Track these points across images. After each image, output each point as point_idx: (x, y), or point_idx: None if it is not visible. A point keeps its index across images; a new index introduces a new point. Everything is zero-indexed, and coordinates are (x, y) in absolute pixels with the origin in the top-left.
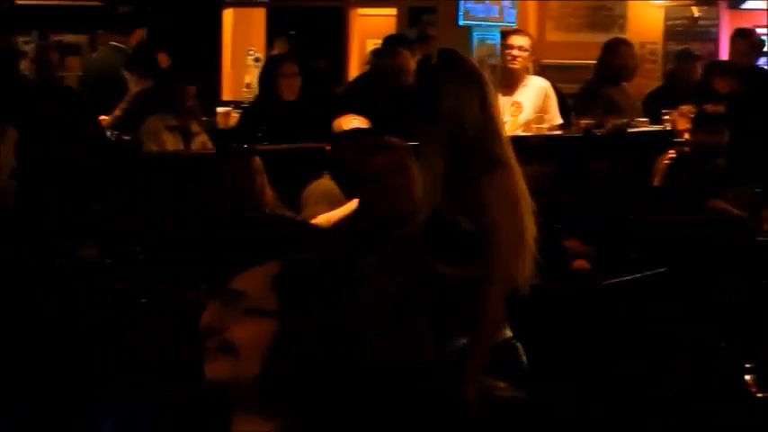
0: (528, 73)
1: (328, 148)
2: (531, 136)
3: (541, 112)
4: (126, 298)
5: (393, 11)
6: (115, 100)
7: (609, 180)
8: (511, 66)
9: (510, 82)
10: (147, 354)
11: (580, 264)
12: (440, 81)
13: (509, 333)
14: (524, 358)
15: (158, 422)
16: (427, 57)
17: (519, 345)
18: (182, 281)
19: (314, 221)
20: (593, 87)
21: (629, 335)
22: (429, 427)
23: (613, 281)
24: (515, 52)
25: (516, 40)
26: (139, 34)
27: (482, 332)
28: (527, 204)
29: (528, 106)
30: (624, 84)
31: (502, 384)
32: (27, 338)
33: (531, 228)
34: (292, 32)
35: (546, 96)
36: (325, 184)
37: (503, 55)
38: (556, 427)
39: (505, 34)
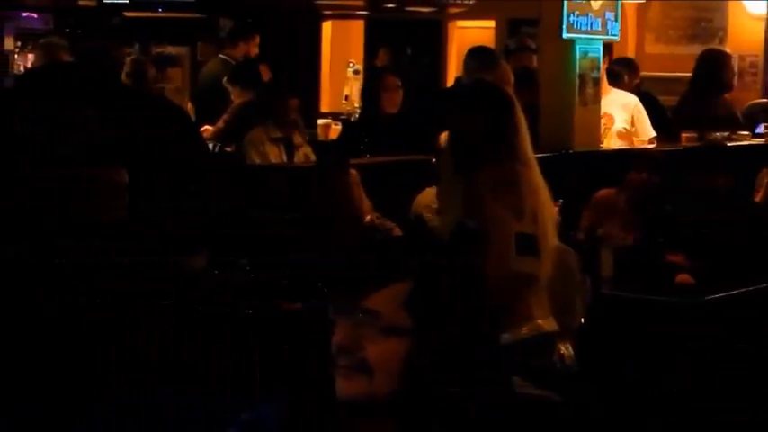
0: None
1: (434, 160)
2: (634, 149)
3: (630, 124)
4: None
5: (492, 23)
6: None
7: (711, 194)
8: None
9: None
10: (251, 364)
11: (683, 278)
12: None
13: (548, 328)
14: (566, 358)
15: (284, 426)
16: (525, 68)
17: (564, 344)
18: (283, 292)
19: None
20: (689, 100)
21: (731, 350)
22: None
23: (717, 296)
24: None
25: None
26: (243, 48)
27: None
28: (536, 201)
29: (618, 119)
30: (723, 96)
31: (523, 383)
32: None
33: (549, 228)
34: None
35: (635, 109)
36: (431, 194)
37: None
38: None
39: None
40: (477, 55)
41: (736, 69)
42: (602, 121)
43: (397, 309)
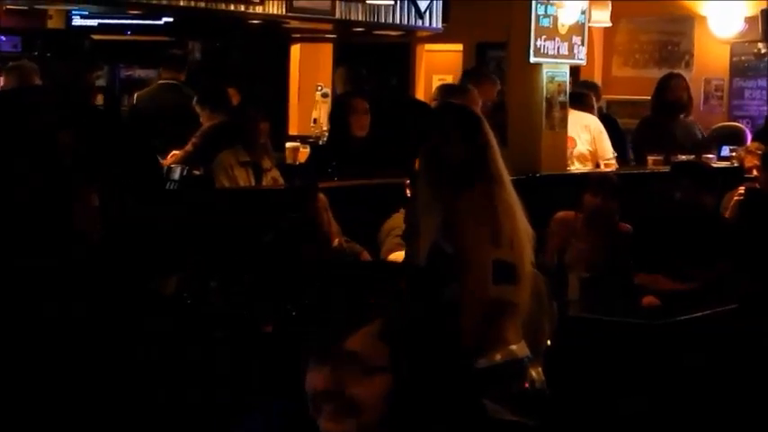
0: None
1: (407, 182)
2: (600, 172)
3: (591, 145)
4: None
5: (459, 46)
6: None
7: (679, 215)
8: None
9: None
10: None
11: (650, 300)
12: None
13: (520, 353)
14: (537, 382)
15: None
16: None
17: (535, 369)
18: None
19: (390, 257)
20: (649, 122)
21: (699, 371)
22: None
23: (684, 317)
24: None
25: None
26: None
27: None
28: (513, 226)
29: (580, 140)
30: (682, 118)
31: (496, 408)
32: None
33: (526, 252)
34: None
35: (595, 130)
36: (398, 220)
37: None
38: None
39: None
40: (445, 87)
41: (700, 91)
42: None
43: (375, 345)
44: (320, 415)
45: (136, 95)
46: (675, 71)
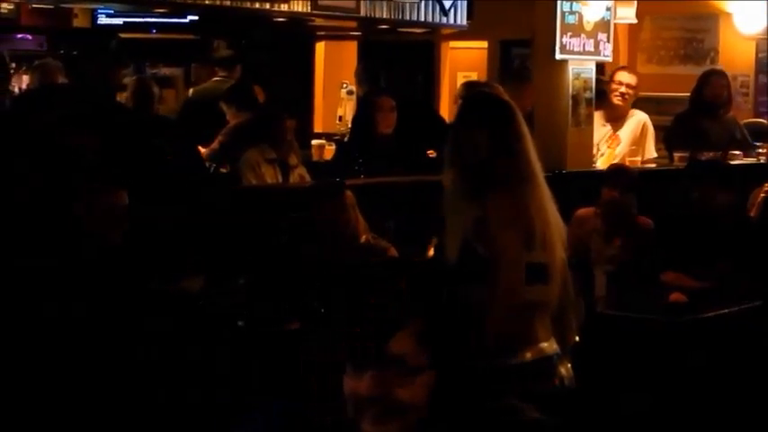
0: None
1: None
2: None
3: (637, 144)
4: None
5: (484, 44)
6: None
7: (705, 212)
8: (617, 102)
9: (614, 116)
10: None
11: (677, 297)
12: (453, 120)
13: (549, 351)
14: (566, 379)
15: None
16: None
17: (564, 365)
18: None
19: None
20: (683, 119)
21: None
22: None
23: (710, 314)
24: (623, 89)
25: (624, 77)
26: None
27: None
28: (545, 225)
29: (625, 139)
30: (722, 115)
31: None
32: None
33: (557, 249)
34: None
35: (644, 129)
36: None
37: (609, 89)
38: None
39: (615, 70)
40: (470, 84)
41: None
42: (608, 141)
43: (417, 346)
44: (362, 418)
45: (191, 90)
46: (717, 67)
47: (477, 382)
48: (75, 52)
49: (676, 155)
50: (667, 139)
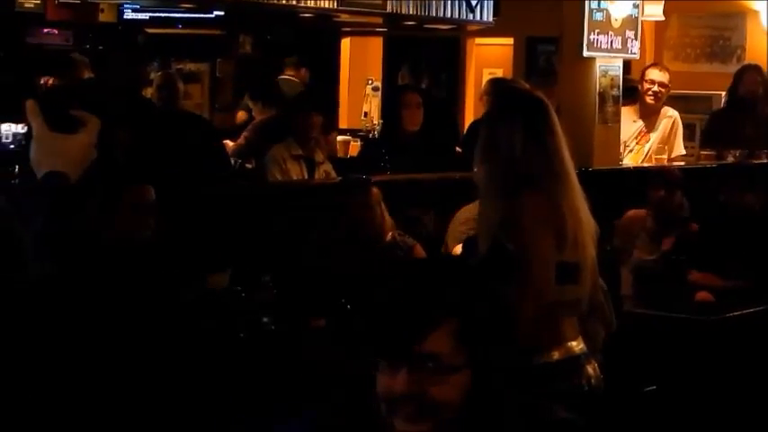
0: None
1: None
2: (652, 166)
3: (666, 141)
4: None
5: (510, 40)
6: None
7: (731, 212)
8: (650, 101)
9: (647, 113)
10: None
11: (704, 296)
12: (486, 114)
13: (577, 350)
14: (593, 378)
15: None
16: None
17: (591, 365)
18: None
19: (456, 249)
20: (718, 116)
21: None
22: None
23: (736, 313)
24: (656, 88)
25: (656, 75)
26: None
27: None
28: (577, 224)
29: (654, 136)
30: (759, 112)
31: (550, 404)
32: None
33: (588, 249)
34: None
35: (673, 126)
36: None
37: (642, 86)
38: None
39: (646, 67)
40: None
41: None
42: (637, 138)
43: (453, 345)
44: (395, 417)
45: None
46: (752, 63)
47: (507, 382)
48: (100, 47)
49: (703, 153)
50: (703, 136)
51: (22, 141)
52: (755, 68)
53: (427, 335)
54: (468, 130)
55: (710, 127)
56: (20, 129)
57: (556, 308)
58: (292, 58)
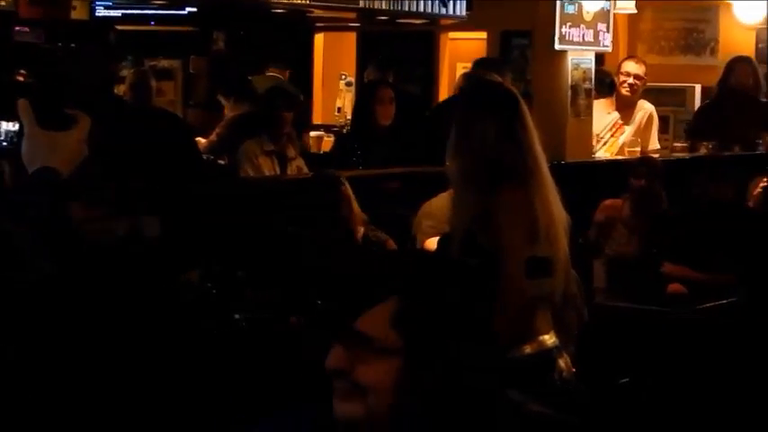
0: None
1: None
2: (626, 159)
3: (640, 134)
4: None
5: (483, 34)
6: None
7: (704, 204)
8: (625, 93)
9: (622, 105)
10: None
11: (675, 288)
12: (459, 108)
13: (549, 343)
14: (565, 371)
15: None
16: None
17: (563, 358)
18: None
19: (426, 243)
20: (706, 108)
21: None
22: None
23: (709, 305)
24: (631, 80)
25: (632, 67)
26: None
27: None
28: (550, 218)
29: (629, 129)
30: (749, 104)
31: (521, 397)
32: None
33: (561, 242)
34: (381, 56)
35: (648, 120)
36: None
37: (618, 79)
38: None
39: (622, 60)
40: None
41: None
42: (612, 130)
43: (387, 329)
44: (333, 393)
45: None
46: (743, 55)
47: (480, 377)
48: (72, 45)
49: (677, 145)
50: (690, 127)
51: (14, 139)
52: (746, 60)
53: (362, 312)
54: (433, 111)
55: (700, 118)
56: (11, 126)
57: (529, 302)
58: (278, 62)
